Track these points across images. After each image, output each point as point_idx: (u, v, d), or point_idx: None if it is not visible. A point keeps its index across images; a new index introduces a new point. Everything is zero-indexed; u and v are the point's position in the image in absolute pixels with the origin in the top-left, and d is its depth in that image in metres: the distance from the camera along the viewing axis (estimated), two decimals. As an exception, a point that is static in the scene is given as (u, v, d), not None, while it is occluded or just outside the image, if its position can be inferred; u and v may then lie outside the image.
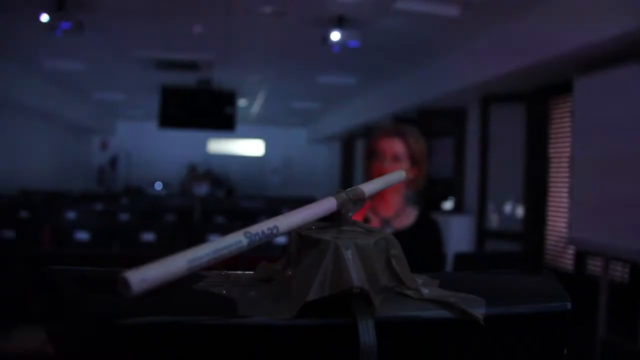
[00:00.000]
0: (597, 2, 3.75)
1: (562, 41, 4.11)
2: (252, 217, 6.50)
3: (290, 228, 0.41)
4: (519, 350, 0.43)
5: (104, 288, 0.40)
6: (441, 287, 0.44)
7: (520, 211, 5.75)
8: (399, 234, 2.00)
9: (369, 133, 9.84)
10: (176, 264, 0.36)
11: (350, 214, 0.45)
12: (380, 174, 1.98)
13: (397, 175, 0.54)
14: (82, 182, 12.84)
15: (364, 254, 0.39)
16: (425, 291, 0.43)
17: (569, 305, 0.45)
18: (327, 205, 0.44)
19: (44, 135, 10.68)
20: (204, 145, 15.03)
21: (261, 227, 0.40)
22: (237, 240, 0.38)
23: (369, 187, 0.48)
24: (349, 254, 0.38)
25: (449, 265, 3.09)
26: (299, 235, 0.42)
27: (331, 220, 0.44)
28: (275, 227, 0.41)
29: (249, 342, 0.38)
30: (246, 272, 0.45)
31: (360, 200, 0.47)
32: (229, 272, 0.45)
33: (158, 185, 13.34)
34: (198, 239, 4.75)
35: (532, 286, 0.48)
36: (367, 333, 0.37)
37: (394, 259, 0.43)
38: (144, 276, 0.34)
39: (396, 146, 1.99)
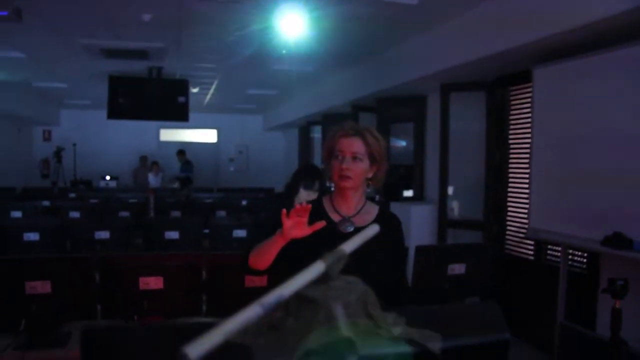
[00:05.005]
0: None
1: (521, 31, 4.29)
2: (210, 211, 6.55)
3: (292, 293, 0.52)
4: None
5: (136, 341, 0.49)
6: (408, 323, 0.55)
7: (481, 200, 5.96)
8: (361, 231, 2.12)
9: (327, 121, 9.96)
10: (216, 337, 0.46)
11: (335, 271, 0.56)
12: (340, 173, 2.08)
13: (372, 230, 0.65)
14: (24, 177, 12.54)
15: (349, 308, 0.50)
16: (396, 330, 0.54)
17: (507, 335, 0.57)
18: (317, 270, 0.55)
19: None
20: (155, 133, 14.88)
21: (271, 298, 0.52)
22: (255, 311, 0.50)
23: (349, 246, 0.59)
24: (338, 312, 0.49)
25: (410, 259, 3.23)
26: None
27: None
28: (282, 295, 0.52)
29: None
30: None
31: (342, 259, 0.58)
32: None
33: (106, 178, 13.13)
34: (155, 238, 4.78)
35: (480, 317, 0.60)
36: (352, 367, 0.49)
37: (371, 305, 0.54)
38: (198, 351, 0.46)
39: (355, 145, 2.09)
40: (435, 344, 0.52)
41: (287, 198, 4.16)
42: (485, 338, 0.57)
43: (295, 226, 1.87)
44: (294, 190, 4.11)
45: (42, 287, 2.56)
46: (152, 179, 13.03)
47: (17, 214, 6.08)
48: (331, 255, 0.58)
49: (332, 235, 2.09)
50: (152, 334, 0.53)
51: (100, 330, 0.53)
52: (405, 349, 0.51)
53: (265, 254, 1.99)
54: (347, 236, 2.06)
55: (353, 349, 0.48)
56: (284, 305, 0.54)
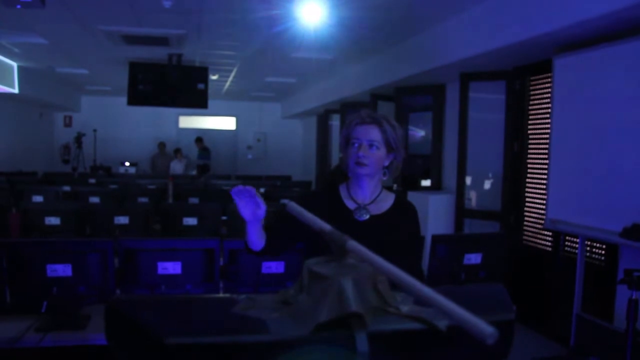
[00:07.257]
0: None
1: (542, 20, 4.25)
2: (228, 198, 6.59)
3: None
4: (475, 350, 0.57)
5: (157, 312, 0.52)
6: (416, 303, 0.58)
7: (499, 190, 5.93)
8: (376, 219, 2.13)
9: (346, 109, 9.95)
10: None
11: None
12: (356, 160, 2.09)
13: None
14: (45, 162, 12.71)
15: (359, 285, 0.53)
16: (404, 308, 0.56)
17: (512, 315, 0.59)
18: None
19: (1, 112, 10.57)
20: (174, 120, 14.99)
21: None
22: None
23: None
24: (348, 289, 0.52)
25: (426, 248, 3.24)
26: (309, 269, 0.55)
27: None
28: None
29: (277, 353, 0.51)
30: (268, 295, 0.58)
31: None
32: (254, 296, 0.58)
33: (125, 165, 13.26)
34: (173, 223, 4.84)
35: (486, 298, 0.62)
36: (361, 343, 0.51)
37: (380, 283, 0.57)
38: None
39: (372, 133, 2.09)
40: (442, 322, 0.54)
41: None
42: (490, 317, 0.59)
43: (245, 206, 1.90)
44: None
45: (63, 270, 2.62)
46: (178, 166, 13.13)
47: (38, 198, 6.19)
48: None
49: (347, 223, 2.10)
50: (177, 305, 0.56)
51: (124, 301, 0.56)
52: (413, 326, 0.53)
53: (247, 236, 2.03)
54: (363, 224, 2.11)
55: (362, 324, 0.51)
56: (298, 282, 0.56)
